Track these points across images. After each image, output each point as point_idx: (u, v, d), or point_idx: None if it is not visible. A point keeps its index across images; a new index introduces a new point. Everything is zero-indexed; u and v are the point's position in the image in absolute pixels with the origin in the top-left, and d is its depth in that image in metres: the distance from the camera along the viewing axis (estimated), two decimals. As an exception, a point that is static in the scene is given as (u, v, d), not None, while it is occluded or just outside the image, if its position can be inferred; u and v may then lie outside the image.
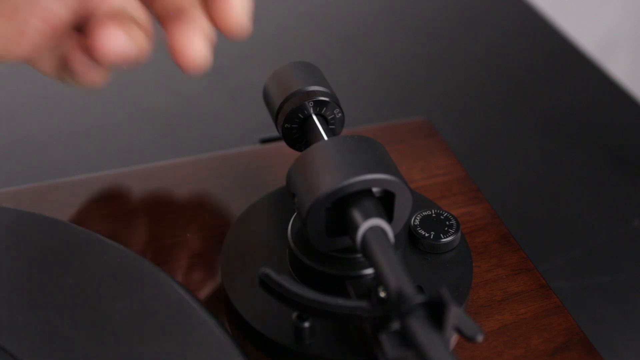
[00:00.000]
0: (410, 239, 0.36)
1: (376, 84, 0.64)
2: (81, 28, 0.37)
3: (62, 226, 0.35)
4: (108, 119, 0.58)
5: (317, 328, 0.32)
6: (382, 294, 0.30)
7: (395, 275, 0.29)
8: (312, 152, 0.33)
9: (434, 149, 0.46)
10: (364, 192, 0.32)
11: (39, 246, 0.33)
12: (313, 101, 0.37)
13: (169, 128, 0.48)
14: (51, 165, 0.53)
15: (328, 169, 0.31)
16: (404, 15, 0.75)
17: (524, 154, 0.58)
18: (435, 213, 0.37)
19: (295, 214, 0.35)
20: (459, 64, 0.68)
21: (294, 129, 0.37)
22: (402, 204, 0.33)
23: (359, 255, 0.33)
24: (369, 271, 0.33)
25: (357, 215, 0.31)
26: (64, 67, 0.38)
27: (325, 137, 0.36)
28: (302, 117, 0.37)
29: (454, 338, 0.34)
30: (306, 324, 0.31)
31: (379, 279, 0.30)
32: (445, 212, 0.37)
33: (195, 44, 0.36)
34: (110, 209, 0.41)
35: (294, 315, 0.31)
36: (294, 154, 0.36)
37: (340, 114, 0.38)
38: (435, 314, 0.27)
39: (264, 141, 0.46)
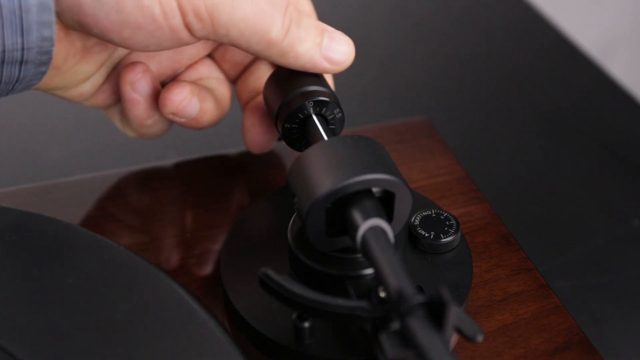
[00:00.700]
0: (410, 239, 0.36)
1: (376, 83, 0.64)
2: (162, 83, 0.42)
3: (62, 226, 0.35)
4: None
5: (317, 328, 0.32)
6: (382, 294, 0.30)
7: (395, 275, 0.29)
8: (312, 152, 0.33)
9: (434, 149, 0.46)
10: (364, 192, 0.32)
11: (39, 246, 0.33)
12: (313, 101, 0.37)
13: (169, 128, 0.48)
14: (51, 165, 0.53)
15: (328, 169, 0.31)
16: (404, 14, 0.75)
17: (524, 154, 0.58)
18: (435, 213, 0.37)
19: (295, 214, 0.35)
20: (459, 64, 0.68)
21: (294, 129, 0.37)
22: (402, 204, 0.33)
23: (359, 255, 0.33)
24: (369, 271, 0.33)
25: (357, 215, 0.31)
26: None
27: (326, 137, 0.36)
28: (302, 117, 0.37)
29: (454, 338, 0.34)
30: (306, 324, 0.31)
31: (379, 279, 0.30)
32: (445, 212, 0.37)
33: (268, 135, 0.41)
34: (110, 209, 0.41)
35: (294, 315, 0.31)
36: (294, 154, 0.37)
37: (340, 114, 0.38)
38: (435, 314, 0.27)
39: (264, 141, 0.46)
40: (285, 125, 0.37)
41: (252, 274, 0.34)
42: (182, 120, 0.39)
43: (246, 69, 0.42)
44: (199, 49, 0.41)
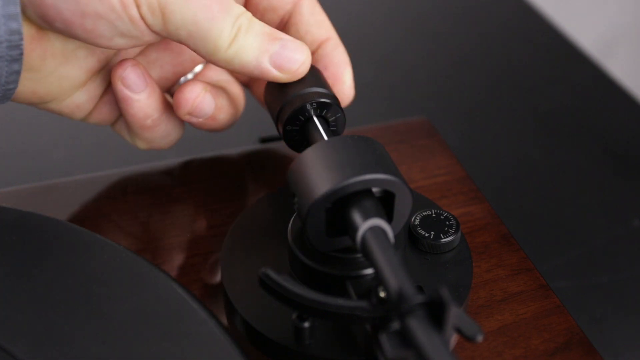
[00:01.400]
0: (410, 239, 0.36)
1: (376, 83, 0.64)
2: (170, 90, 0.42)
3: (62, 226, 0.35)
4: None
5: (317, 328, 0.32)
6: (382, 294, 0.30)
7: (395, 275, 0.29)
8: (312, 152, 0.33)
9: (434, 149, 0.46)
10: (364, 192, 0.32)
11: (39, 246, 0.33)
12: (314, 103, 0.37)
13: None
14: (51, 166, 0.53)
15: (328, 169, 0.31)
16: (404, 14, 0.75)
17: (524, 154, 0.58)
18: (435, 213, 0.37)
19: (295, 214, 0.35)
20: (459, 64, 0.68)
21: (295, 131, 0.37)
22: (402, 204, 0.33)
23: (359, 255, 0.33)
24: (369, 271, 0.33)
25: (357, 215, 0.31)
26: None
27: (326, 139, 0.36)
28: (303, 119, 0.37)
29: (454, 338, 0.34)
30: (306, 324, 0.31)
31: (379, 279, 0.30)
32: (445, 212, 0.37)
33: None
34: (110, 209, 0.41)
35: (294, 315, 0.31)
36: (294, 153, 0.37)
37: (341, 116, 0.38)
38: (435, 314, 0.27)
39: (264, 141, 0.46)
40: (287, 127, 0.37)
41: (252, 274, 0.34)
42: (199, 120, 0.39)
43: None
44: None
